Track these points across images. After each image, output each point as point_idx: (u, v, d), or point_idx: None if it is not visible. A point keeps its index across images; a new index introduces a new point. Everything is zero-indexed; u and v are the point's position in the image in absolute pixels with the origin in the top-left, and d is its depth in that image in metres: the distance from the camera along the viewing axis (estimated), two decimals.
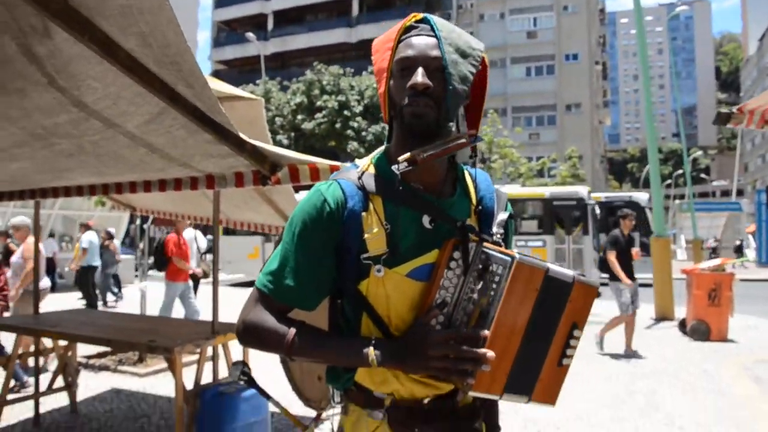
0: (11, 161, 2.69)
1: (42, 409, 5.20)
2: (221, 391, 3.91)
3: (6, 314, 5.67)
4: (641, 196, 19.37)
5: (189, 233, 9.85)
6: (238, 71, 44.69)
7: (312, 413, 2.04)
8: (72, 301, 13.36)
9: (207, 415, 3.88)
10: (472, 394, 1.22)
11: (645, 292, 15.48)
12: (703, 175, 73.92)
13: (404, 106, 1.26)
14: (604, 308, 11.04)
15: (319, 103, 30.02)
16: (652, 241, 11.72)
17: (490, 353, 1.15)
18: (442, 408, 1.34)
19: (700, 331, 9.05)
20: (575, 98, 38.66)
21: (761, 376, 6.77)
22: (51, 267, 16.12)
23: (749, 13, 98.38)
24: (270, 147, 2.23)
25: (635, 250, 7.86)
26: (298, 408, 2.92)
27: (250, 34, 32.56)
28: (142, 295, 9.15)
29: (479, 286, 1.21)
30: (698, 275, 9.24)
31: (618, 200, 19.25)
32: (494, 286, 1.21)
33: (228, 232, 18.77)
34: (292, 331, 1.27)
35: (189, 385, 4.03)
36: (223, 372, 4.56)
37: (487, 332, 1.18)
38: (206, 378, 4.31)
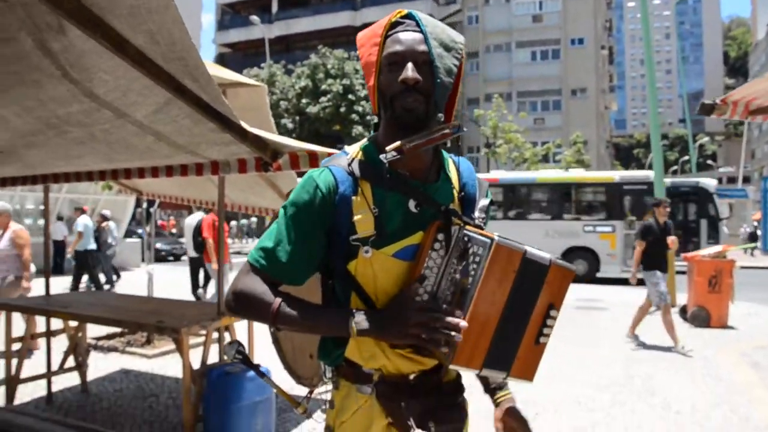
0: (28, 148, 2.81)
1: (54, 388, 5.36)
2: (227, 370, 4.04)
3: None
4: (709, 182, 18.49)
5: (198, 218, 9.99)
6: (243, 54, 44.54)
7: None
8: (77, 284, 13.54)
9: (213, 394, 4.01)
10: (452, 367, 1.30)
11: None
12: (709, 162, 73.53)
13: (395, 100, 1.35)
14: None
15: (323, 87, 29.93)
16: None
17: (464, 323, 1.23)
18: (427, 383, 1.44)
19: (700, 317, 9.12)
20: (581, 83, 38.43)
21: (760, 363, 6.87)
22: (61, 250, 16.31)
23: None
24: (271, 135, 2.34)
25: (671, 239, 7.54)
26: (299, 390, 3.04)
27: (254, 17, 32.43)
28: (149, 277, 9.31)
29: (461, 266, 1.30)
30: (699, 262, 9.29)
31: (684, 186, 18.34)
32: (474, 266, 1.29)
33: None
34: (278, 300, 1.35)
35: (196, 365, 4.17)
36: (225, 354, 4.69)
37: (459, 312, 1.26)
38: (212, 358, 4.44)
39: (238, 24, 45.41)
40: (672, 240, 7.61)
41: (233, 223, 32.87)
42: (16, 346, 5.13)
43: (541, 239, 15.84)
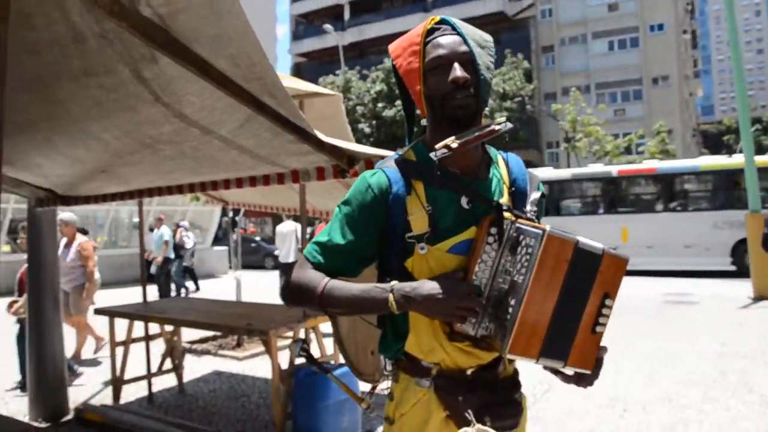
0: (125, 166, 3.08)
1: (154, 389, 5.72)
2: (314, 370, 4.19)
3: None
4: None
5: (289, 226, 10.33)
6: (318, 63, 45.39)
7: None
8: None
9: (301, 393, 4.18)
10: (509, 356, 1.34)
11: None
12: None
13: (446, 100, 1.41)
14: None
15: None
16: (747, 218, 11.20)
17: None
18: (485, 378, 1.48)
19: None
20: (662, 70, 36.81)
21: None
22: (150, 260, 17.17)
23: None
24: (346, 143, 2.47)
25: None
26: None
27: (327, 26, 33.00)
28: (237, 283, 9.73)
29: (515, 259, 1.34)
30: None
31: None
32: (527, 257, 1.32)
33: None
34: (324, 282, 1.42)
35: (284, 366, 4.36)
36: (316, 353, 4.87)
37: (514, 302, 1.32)
38: (299, 359, 4.62)
39: (311, 33, 46.34)
40: None
41: None
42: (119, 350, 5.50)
43: (708, 231, 14.86)
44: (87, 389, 5.89)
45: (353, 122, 30.10)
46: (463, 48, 1.43)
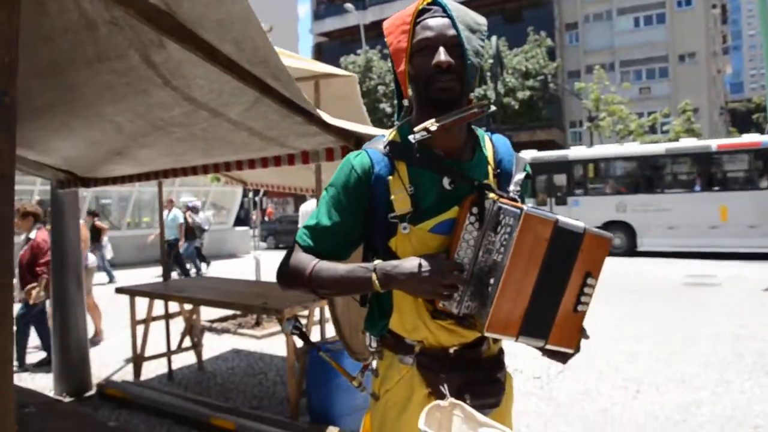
0: (139, 148, 3.16)
1: (174, 366, 5.86)
2: (328, 348, 4.27)
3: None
4: None
5: (313, 204, 10.39)
6: (339, 42, 45.16)
7: None
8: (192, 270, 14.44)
9: (315, 371, 4.26)
10: (488, 334, 1.35)
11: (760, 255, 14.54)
12: None
13: (430, 83, 1.42)
14: None
15: None
16: None
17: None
18: (467, 357, 1.50)
19: None
20: (689, 47, 35.98)
21: None
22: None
23: None
24: (352, 125, 2.50)
25: None
26: None
27: (348, 5, 32.76)
28: (256, 263, 9.86)
29: (496, 237, 1.36)
30: None
31: None
32: (506, 236, 1.33)
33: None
34: (312, 263, 1.46)
35: (299, 344, 4.44)
36: (330, 332, 4.94)
37: (493, 280, 1.33)
38: (314, 337, 4.70)
39: (333, 13, 46.00)
40: None
41: None
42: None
43: None
44: (109, 366, 6.06)
45: (374, 102, 29.97)
46: (451, 32, 1.43)
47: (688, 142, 16.48)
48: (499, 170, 1.56)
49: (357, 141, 2.49)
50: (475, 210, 1.41)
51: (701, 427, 4.25)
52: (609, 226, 15.87)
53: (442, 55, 1.40)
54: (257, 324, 7.93)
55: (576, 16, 39.20)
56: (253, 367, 6.06)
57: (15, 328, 6.06)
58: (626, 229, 16.06)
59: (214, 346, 6.90)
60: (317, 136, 2.49)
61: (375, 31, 43.73)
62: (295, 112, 2.17)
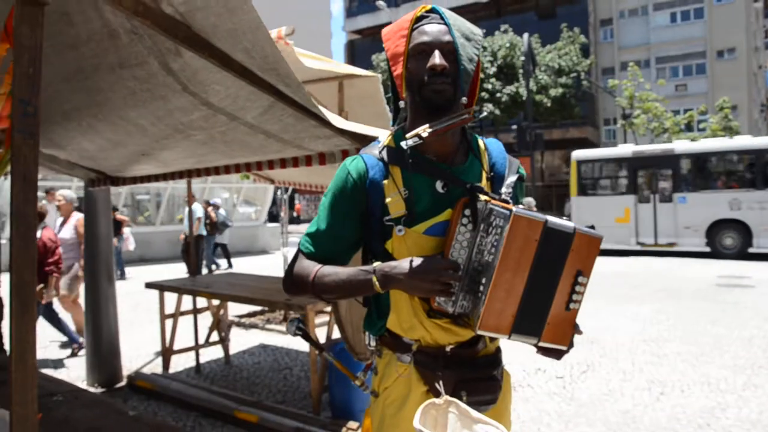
0: (163, 150, 3.28)
1: (202, 360, 6.00)
2: (342, 348, 4.34)
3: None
4: None
5: None
6: (372, 40, 45.23)
7: None
8: (224, 266, 14.69)
9: (337, 367, 4.33)
10: (480, 332, 1.39)
11: None
12: None
13: (424, 85, 1.46)
14: None
15: None
16: None
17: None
18: (463, 355, 1.54)
19: None
20: (728, 42, 35.07)
21: None
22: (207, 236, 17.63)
23: None
24: (364, 127, 2.55)
25: None
26: None
27: (380, 2, 32.77)
28: (284, 259, 9.98)
29: (487, 238, 1.40)
30: None
31: None
32: (497, 236, 1.37)
33: (583, 191, 17.44)
34: (315, 269, 1.51)
35: (322, 340, 4.52)
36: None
37: (485, 279, 1.36)
38: (336, 333, 4.77)
39: (365, 10, 46.07)
40: None
41: None
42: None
43: None
44: (140, 359, 6.23)
45: None
46: (447, 38, 1.48)
47: None
48: (492, 173, 1.60)
49: (371, 143, 2.54)
50: (467, 212, 1.45)
51: (725, 430, 4.20)
52: (720, 224, 15.28)
53: (437, 58, 1.45)
54: (285, 320, 8.05)
55: (611, 12, 38.56)
56: (279, 362, 6.17)
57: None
58: (740, 228, 15.18)
59: (241, 340, 7.03)
60: (332, 138, 2.55)
61: None
62: (308, 115, 2.23)
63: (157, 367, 5.84)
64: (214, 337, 6.19)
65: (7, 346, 3.75)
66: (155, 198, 18.81)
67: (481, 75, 28.43)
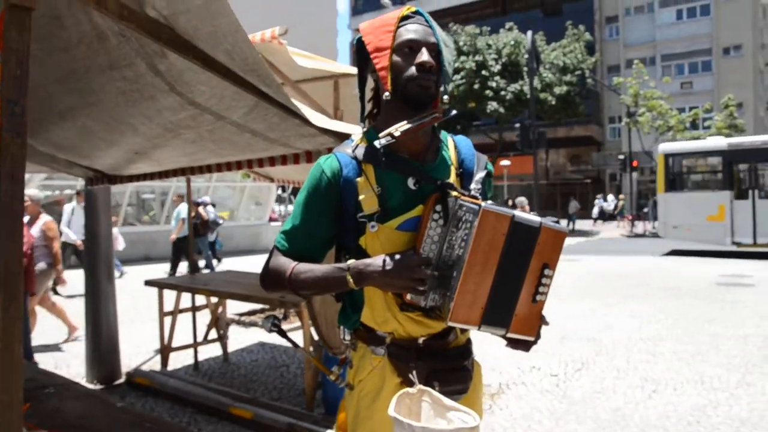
0: (155, 149, 3.35)
1: (200, 357, 6.06)
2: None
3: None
4: None
5: None
6: None
7: None
8: (232, 264, 14.78)
9: (329, 364, 4.38)
10: (451, 324, 1.45)
11: None
12: None
13: (412, 79, 1.52)
14: None
15: (456, 64, 29.56)
16: None
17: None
18: (435, 346, 1.58)
19: None
20: (734, 39, 34.87)
21: None
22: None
23: None
24: (345, 125, 2.61)
25: None
26: None
27: (385, 0, 32.77)
28: None
29: (457, 233, 1.45)
30: None
31: None
32: (466, 231, 1.43)
33: (672, 186, 16.17)
34: (291, 266, 1.56)
35: (316, 337, 4.57)
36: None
37: (455, 273, 1.42)
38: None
39: (371, 8, 46.05)
40: None
41: None
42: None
43: None
44: (139, 356, 6.30)
45: None
46: (432, 39, 1.55)
47: None
48: (461, 170, 1.65)
49: (344, 142, 2.59)
50: (438, 208, 1.49)
51: (714, 428, 4.22)
52: None
53: (426, 55, 1.51)
54: (284, 318, 8.10)
55: (617, 9, 38.46)
56: (276, 359, 6.23)
57: None
58: None
59: (240, 338, 7.09)
60: (317, 137, 2.60)
61: None
62: (292, 114, 2.29)
63: (156, 364, 5.91)
64: (213, 334, 6.26)
65: None
66: (160, 197, 18.88)
67: (485, 73, 28.59)
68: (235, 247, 18.49)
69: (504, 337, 1.54)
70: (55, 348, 6.82)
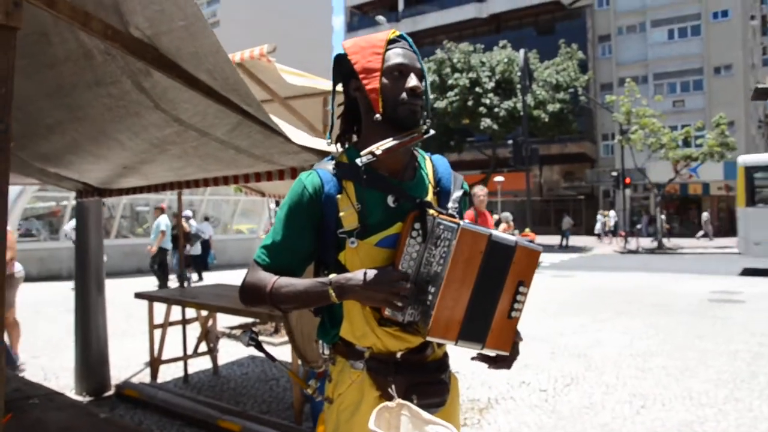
0: (142, 164, 3.40)
1: (190, 370, 6.07)
2: None
3: None
4: None
5: None
6: None
7: None
8: (225, 278, 14.76)
9: (314, 375, 4.40)
10: (429, 339, 1.48)
11: None
12: None
13: (402, 104, 1.57)
14: None
15: (450, 81, 29.79)
16: None
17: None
18: (413, 360, 1.61)
19: None
20: (725, 59, 35.23)
21: None
22: (206, 248, 17.64)
23: None
24: (326, 145, 2.67)
25: None
26: None
27: (380, 17, 32.99)
28: None
29: (435, 250, 1.49)
30: None
31: None
32: (445, 249, 1.46)
33: (753, 200, 15.20)
34: (272, 280, 1.58)
35: None
36: None
37: (433, 289, 1.45)
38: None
39: (366, 25, 46.39)
40: None
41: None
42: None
43: None
44: (129, 368, 6.30)
45: None
46: (418, 65, 1.61)
47: None
48: (438, 188, 1.70)
49: (324, 159, 2.64)
50: (417, 225, 1.53)
51: None
52: None
53: (415, 80, 1.57)
54: (276, 331, 8.11)
55: (609, 28, 38.86)
56: (266, 373, 6.24)
57: None
58: None
59: (231, 351, 7.10)
60: (301, 154, 2.65)
61: None
62: (275, 132, 2.34)
63: (146, 376, 5.92)
64: (203, 347, 6.27)
65: None
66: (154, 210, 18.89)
67: (479, 89, 28.82)
68: (229, 260, 18.48)
69: (480, 352, 1.57)
70: (44, 359, 6.81)
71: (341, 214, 1.56)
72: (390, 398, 1.52)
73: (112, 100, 2.48)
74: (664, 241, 27.30)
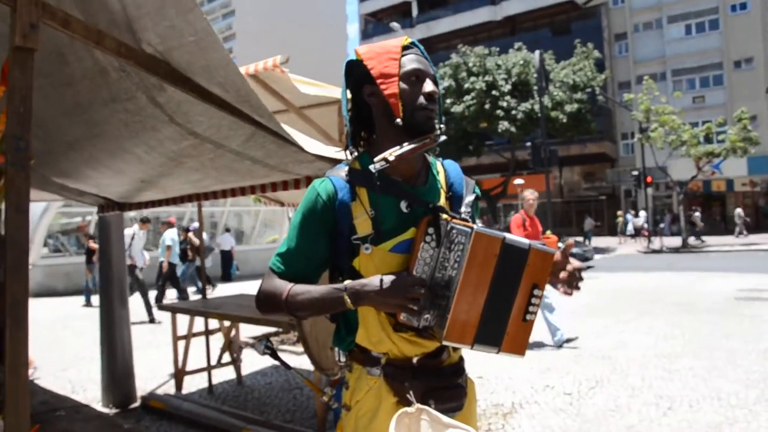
0: (160, 177, 3.45)
1: (215, 381, 6.11)
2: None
3: None
4: None
5: None
6: None
7: None
8: (246, 288, 14.85)
9: (340, 386, 4.41)
10: (445, 343, 1.49)
11: None
12: None
13: (419, 109, 1.59)
14: None
15: (466, 85, 29.66)
16: None
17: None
18: (429, 365, 1.62)
19: None
20: (745, 52, 34.63)
21: None
22: (229, 259, 17.75)
23: None
24: (337, 151, 2.69)
25: None
26: None
27: (394, 24, 32.97)
28: None
29: (449, 255, 1.50)
30: None
31: None
32: (459, 253, 1.47)
33: None
34: (288, 288, 1.58)
35: None
36: None
37: (448, 293, 1.46)
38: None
39: (380, 31, 46.48)
40: None
41: None
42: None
43: None
44: (154, 380, 6.36)
45: None
46: (432, 71, 1.64)
47: None
48: (450, 193, 1.70)
49: (337, 165, 2.66)
50: (430, 230, 1.54)
51: None
52: None
53: (432, 85, 1.59)
54: (299, 340, 8.11)
55: (625, 26, 38.50)
56: (290, 382, 6.25)
57: None
58: None
59: (255, 361, 7.12)
60: (315, 162, 2.68)
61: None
62: (288, 141, 2.37)
63: (170, 387, 5.97)
64: (227, 358, 6.31)
65: None
66: (177, 222, 19.06)
67: (496, 92, 28.71)
68: (251, 270, 18.59)
69: (495, 354, 1.57)
70: (72, 372, 6.90)
71: (355, 220, 1.57)
72: (408, 404, 1.52)
73: (128, 115, 2.53)
74: (696, 239, 26.87)
